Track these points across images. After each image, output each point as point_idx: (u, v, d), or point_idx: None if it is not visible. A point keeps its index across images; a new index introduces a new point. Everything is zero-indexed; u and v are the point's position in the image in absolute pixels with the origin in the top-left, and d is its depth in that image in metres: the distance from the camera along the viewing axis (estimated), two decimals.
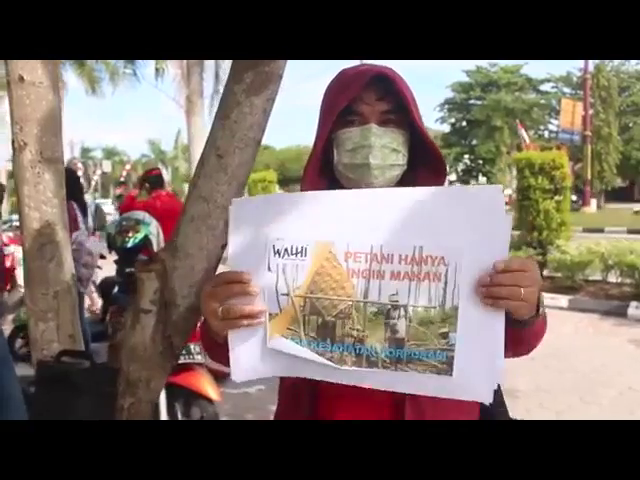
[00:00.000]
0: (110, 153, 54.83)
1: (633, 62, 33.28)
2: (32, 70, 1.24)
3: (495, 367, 0.87)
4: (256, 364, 0.93)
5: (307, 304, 0.89)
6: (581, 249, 7.25)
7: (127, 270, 3.20)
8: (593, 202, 23.38)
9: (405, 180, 1.10)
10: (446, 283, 0.85)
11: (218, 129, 1.24)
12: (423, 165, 1.12)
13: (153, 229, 3.30)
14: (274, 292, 0.90)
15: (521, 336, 0.96)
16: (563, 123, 18.50)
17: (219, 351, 1.00)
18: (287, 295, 0.89)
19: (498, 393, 1.18)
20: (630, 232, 13.47)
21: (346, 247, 0.87)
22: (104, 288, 4.58)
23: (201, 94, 15.73)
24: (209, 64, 16.18)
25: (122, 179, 19.26)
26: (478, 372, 0.87)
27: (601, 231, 14.19)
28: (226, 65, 16.11)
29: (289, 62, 1.28)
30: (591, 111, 22.50)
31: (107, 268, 4.67)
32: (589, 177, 22.36)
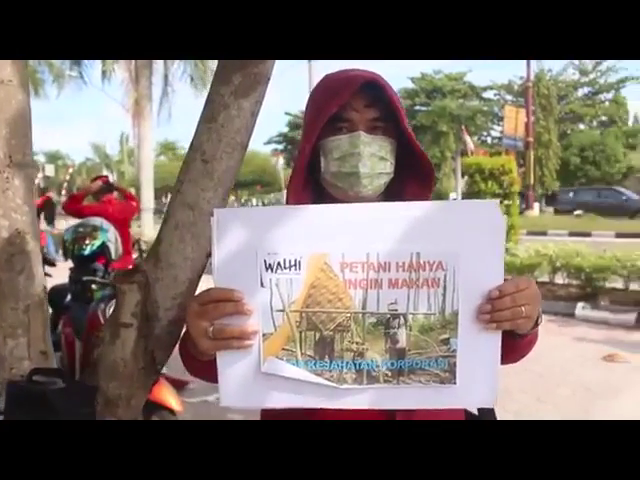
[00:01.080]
0: (53, 157, 53.03)
1: (570, 71, 34.70)
2: (1, 68, 1.15)
3: (495, 370, 0.87)
4: (248, 390, 0.88)
5: (303, 319, 0.86)
6: (530, 252, 7.44)
7: (84, 278, 3.07)
8: (536, 206, 24.16)
9: (392, 189, 1.08)
10: (445, 288, 0.84)
11: (204, 133, 1.18)
12: (410, 173, 1.10)
13: (111, 236, 3.19)
14: (268, 309, 0.85)
15: (516, 345, 0.97)
16: (506, 129, 19.07)
17: (202, 368, 0.96)
18: (282, 311, 0.85)
19: None
20: (572, 235, 13.99)
21: (341, 257, 0.84)
22: (54, 297, 4.38)
23: (150, 98, 15.41)
24: (158, 67, 15.90)
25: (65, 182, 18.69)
26: (480, 376, 0.87)
27: (544, 234, 14.64)
28: (175, 68, 15.88)
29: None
30: (532, 118, 23.24)
31: (57, 275, 4.47)
32: (532, 182, 23.09)
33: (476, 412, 1.17)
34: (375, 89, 1.03)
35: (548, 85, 29.44)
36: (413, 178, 1.10)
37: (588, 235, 14.18)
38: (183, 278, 1.21)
